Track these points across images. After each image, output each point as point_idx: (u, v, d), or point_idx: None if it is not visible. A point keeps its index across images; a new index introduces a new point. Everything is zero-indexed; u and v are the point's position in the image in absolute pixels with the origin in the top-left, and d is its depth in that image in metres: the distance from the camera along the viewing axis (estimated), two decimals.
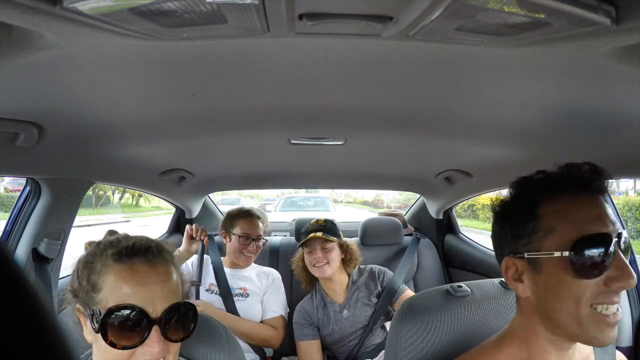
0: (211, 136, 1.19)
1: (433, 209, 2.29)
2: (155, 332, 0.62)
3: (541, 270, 0.60)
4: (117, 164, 1.34)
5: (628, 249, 0.60)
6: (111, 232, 0.72)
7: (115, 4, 0.44)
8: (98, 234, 0.77)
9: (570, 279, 0.57)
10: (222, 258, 1.76)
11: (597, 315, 0.57)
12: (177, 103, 0.86)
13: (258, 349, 1.61)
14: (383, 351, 1.19)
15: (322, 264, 1.54)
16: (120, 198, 17.92)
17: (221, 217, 1.93)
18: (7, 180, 10.02)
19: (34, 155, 1.00)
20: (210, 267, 1.71)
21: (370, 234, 2.10)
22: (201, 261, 1.70)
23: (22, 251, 1.28)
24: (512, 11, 0.45)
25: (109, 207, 16.64)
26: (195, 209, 2.38)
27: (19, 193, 1.36)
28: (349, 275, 1.66)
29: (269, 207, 9.50)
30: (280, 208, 8.82)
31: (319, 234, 1.54)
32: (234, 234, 1.69)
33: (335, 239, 1.57)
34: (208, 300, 1.59)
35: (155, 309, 0.63)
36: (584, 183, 0.60)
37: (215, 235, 1.91)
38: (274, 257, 2.09)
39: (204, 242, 1.70)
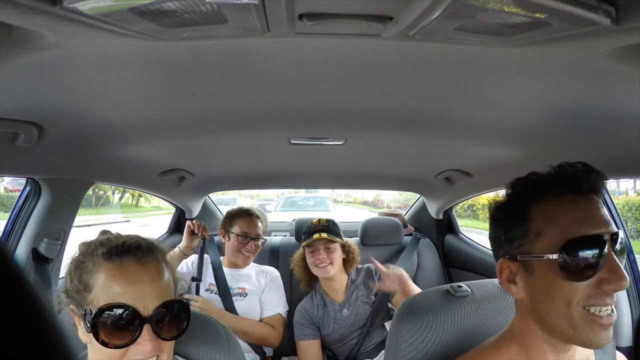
0: (211, 136, 1.19)
1: (433, 209, 2.29)
2: (147, 330, 0.62)
3: (533, 272, 0.60)
4: (117, 164, 1.34)
5: (624, 250, 0.59)
6: (103, 232, 0.72)
7: (115, 4, 0.44)
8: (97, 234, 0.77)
9: (561, 282, 0.57)
10: (221, 258, 1.76)
11: (590, 317, 0.56)
12: (177, 103, 0.86)
13: (258, 348, 1.61)
14: (383, 351, 1.19)
15: (325, 264, 1.54)
16: (120, 198, 17.92)
17: (221, 217, 1.93)
18: (7, 180, 10.03)
19: (34, 155, 1.00)
20: (210, 266, 1.71)
21: (370, 233, 2.10)
22: (201, 258, 1.70)
23: (22, 251, 1.28)
24: (512, 11, 0.45)
25: (109, 207, 16.63)
26: (195, 209, 2.38)
27: (19, 193, 1.36)
28: (348, 275, 1.67)
29: (269, 207, 9.50)
30: (280, 208, 8.83)
31: (324, 234, 1.55)
32: (232, 233, 1.69)
33: (339, 239, 1.58)
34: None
35: (146, 307, 0.62)
36: (574, 183, 0.59)
37: (215, 235, 1.92)
38: (274, 257, 2.09)
39: (205, 238, 1.70)
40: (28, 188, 1.32)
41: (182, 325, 0.67)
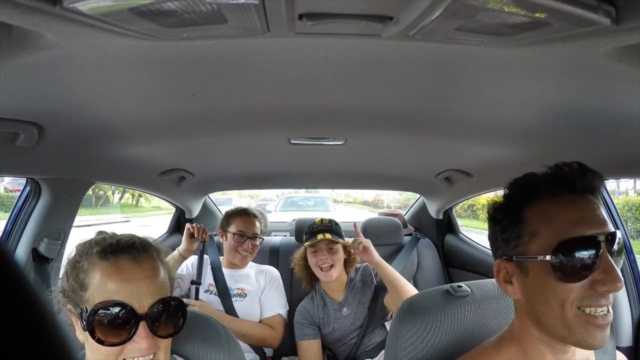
0: (211, 136, 1.19)
1: (433, 209, 2.29)
2: (142, 328, 0.62)
3: (528, 273, 0.60)
4: (117, 164, 1.34)
5: (621, 251, 0.58)
6: (100, 233, 0.73)
7: (115, 4, 0.44)
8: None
9: (554, 282, 0.57)
10: (220, 259, 1.76)
11: (585, 317, 0.56)
12: (177, 103, 0.86)
13: (258, 348, 1.61)
14: (383, 351, 1.19)
15: (327, 265, 1.55)
16: (120, 198, 17.92)
17: (221, 217, 1.93)
18: (7, 180, 10.03)
19: (34, 155, 1.00)
20: (209, 267, 1.71)
21: (370, 233, 2.09)
22: (201, 260, 1.69)
23: (22, 251, 1.28)
24: (512, 11, 0.45)
25: (109, 207, 16.64)
26: (195, 209, 2.38)
27: (19, 193, 1.36)
28: (347, 274, 1.67)
29: (269, 207, 9.50)
30: (280, 208, 8.83)
31: (328, 235, 1.55)
32: (229, 232, 1.68)
33: (342, 241, 1.58)
34: (207, 301, 1.59)
35: (142, 305, 0.63)
36: (569, 184, 0.59)
37: (215, 235, 1.91)
38: (274, 257, 2.09)
39: (204, 241, 1.69)
40: (28, 188, 1.32)
41: (178, 323, 0.67)
